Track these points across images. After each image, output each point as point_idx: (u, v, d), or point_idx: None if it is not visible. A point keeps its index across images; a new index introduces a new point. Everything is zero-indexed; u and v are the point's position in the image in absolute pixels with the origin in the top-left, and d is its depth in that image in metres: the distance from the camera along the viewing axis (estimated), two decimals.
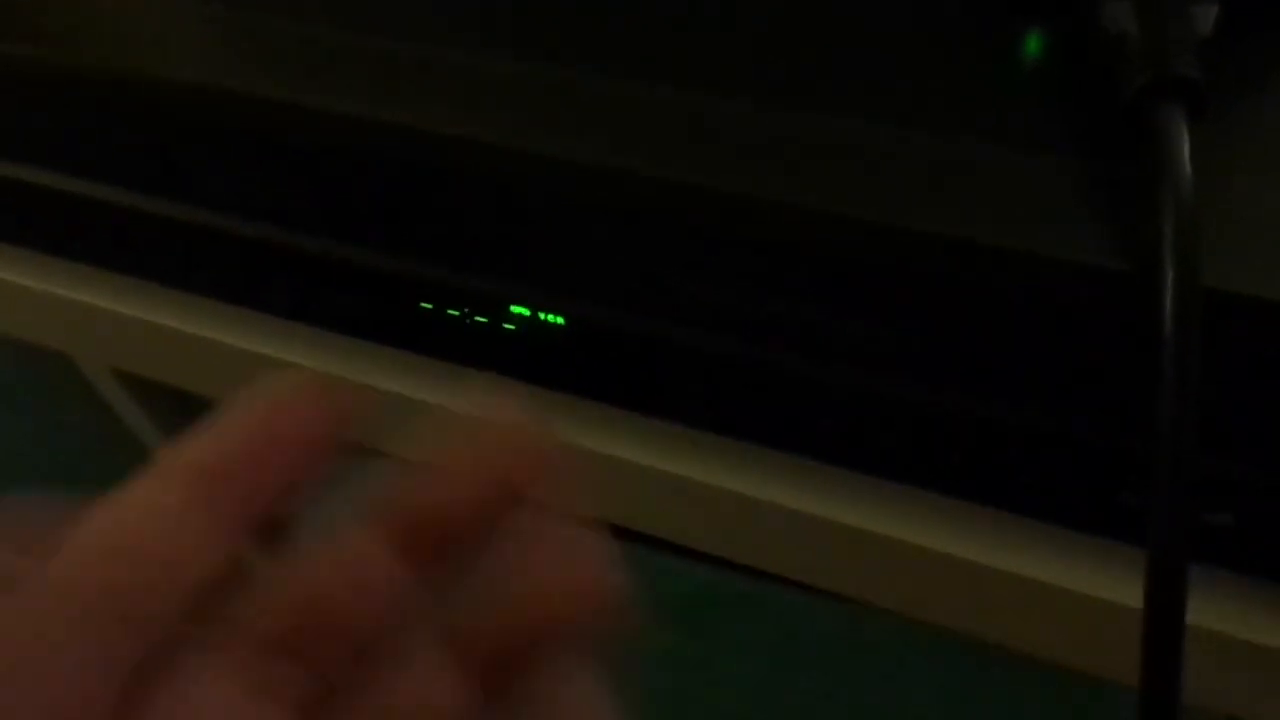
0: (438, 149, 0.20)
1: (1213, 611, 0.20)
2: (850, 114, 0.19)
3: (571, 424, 0.25)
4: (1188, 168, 0.16)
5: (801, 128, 0.19)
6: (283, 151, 0.23)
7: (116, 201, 0.26)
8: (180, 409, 0.37)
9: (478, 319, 0.24)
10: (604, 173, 0.19)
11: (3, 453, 0.50)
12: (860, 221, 0.17)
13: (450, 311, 0.24)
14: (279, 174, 0.23)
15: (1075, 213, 0.17)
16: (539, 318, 0.23)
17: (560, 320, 0.23)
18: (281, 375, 0.12)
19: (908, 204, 0.17)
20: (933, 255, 0.17)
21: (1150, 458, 0.16)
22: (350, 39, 0.22)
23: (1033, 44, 0.20)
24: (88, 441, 0.44)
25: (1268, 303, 0.15)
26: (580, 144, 0.19)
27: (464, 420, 0.12)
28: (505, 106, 0.20)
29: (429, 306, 0.24)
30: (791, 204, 0.18)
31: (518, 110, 0.20)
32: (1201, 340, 0.15)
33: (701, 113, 0.19)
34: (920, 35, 0.20)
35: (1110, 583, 0.21)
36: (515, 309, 0.23)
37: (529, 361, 0.24)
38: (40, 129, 0.26)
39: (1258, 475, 0.18)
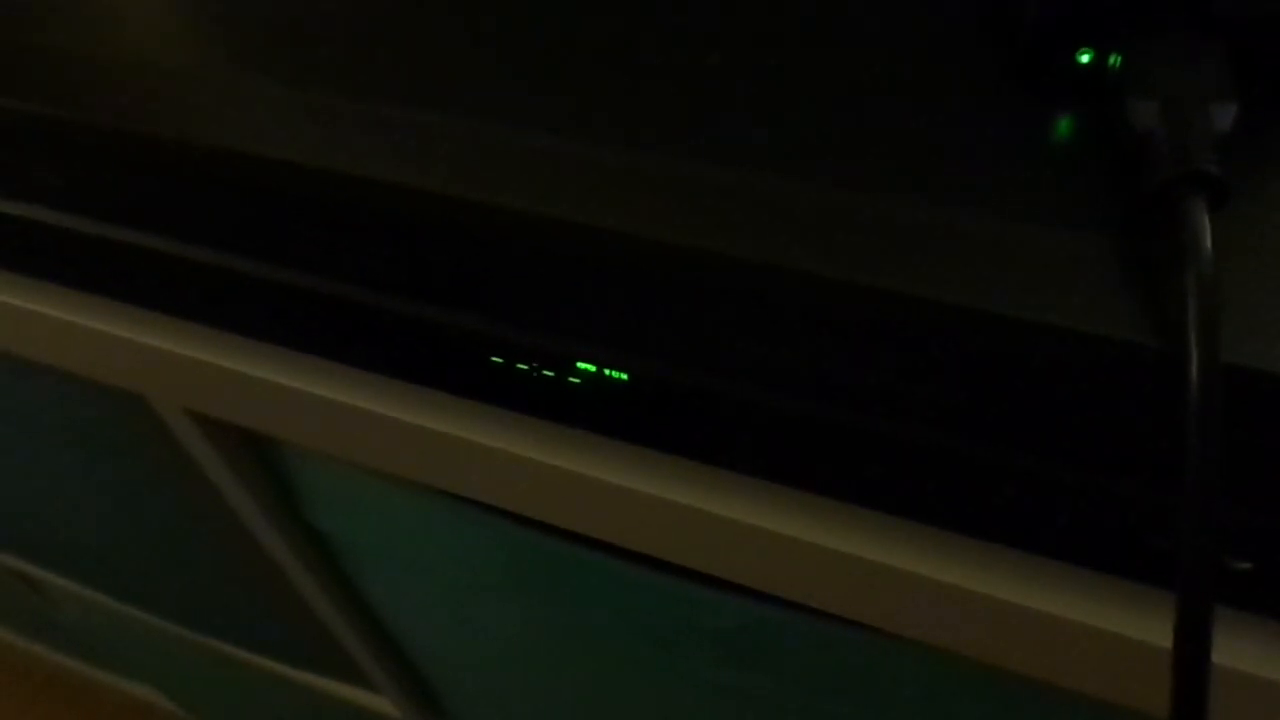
0: (511, 222, 0.22)
1: (1233, 650, 0.22)
2: (887, 190, 0.20)
3: (628, 469, 0.27)
4: (1210, 255, 0.17)
5: (839, 203, 0.20)
6: (369, 222, 0.25)
7: (201, 259, 0.28)
8: (249, 447, 0.39)
9: (545, 373, 0.26)
10: (660, 248, 0.21)
11: (76, 488, 0.52)
12: (902, 295, 0.19)
13: (519, 366, 0.26)
14: (363, 241, 0.25)
15: (1107, 290, 0.18)
16: (604, 374, 0.24)
17: (624, 376, 0.24)
18: None
19: (950, 279, 0.19)
20: (980, 327, 0.19)
21: (1178, 514, 0.18)
22: (435, 118, 0.24)
23: (1062, 125, 0.22)
24: (159, 477, 0.46)
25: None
26: (641, 220, 0.21)
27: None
28: (575, 186, 0.22)
29: (499, 361, 0.26)
30: (838, 278, 0.20)
31: (586, 189, 0.22)
32: (1222, 409, 0.17)
33: (747, 188, 0.21)
34: (949, 111, 0.22)
35: (1139, 622, 0.22)
36: (581, 365, 0.25)
37: (592, 412, 0.26)
38: (128, 191, 0.28)
39: (1274, 526, 0.20)
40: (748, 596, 0.30)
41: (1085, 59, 0.21)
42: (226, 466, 0.39)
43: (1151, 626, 0.22)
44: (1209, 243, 0.17)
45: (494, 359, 0.26)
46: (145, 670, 0.91)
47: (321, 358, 0.29)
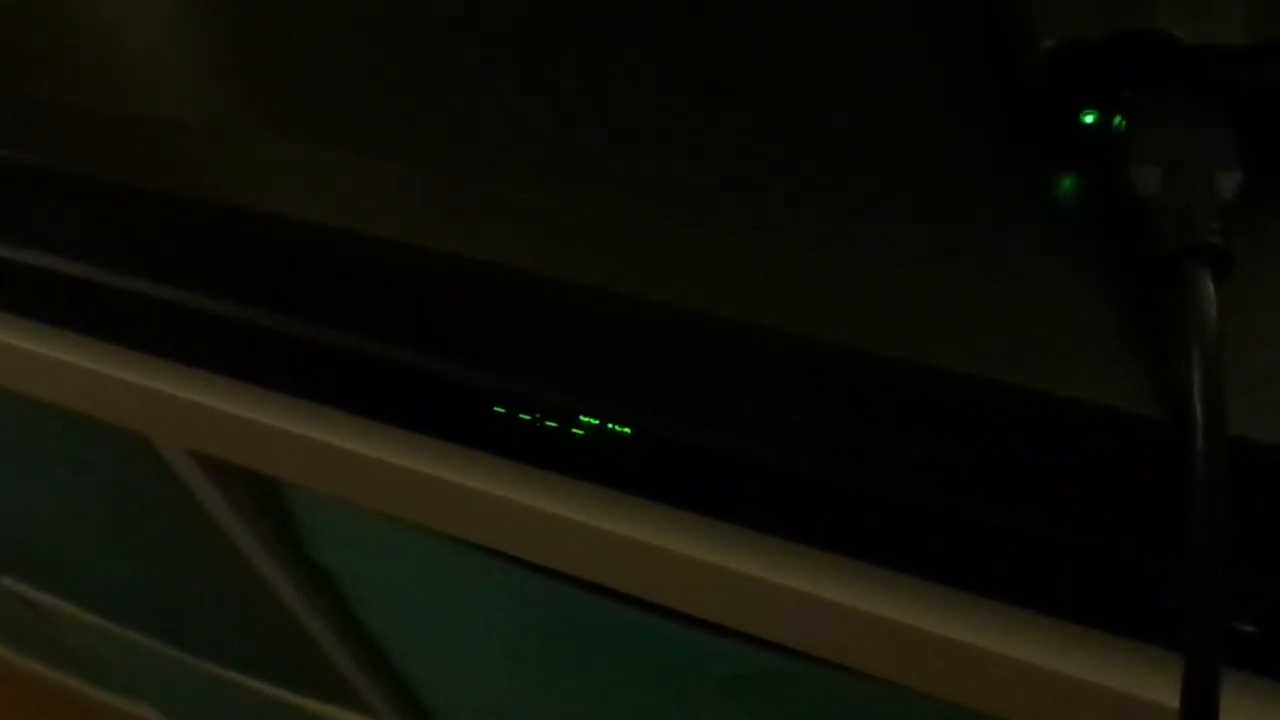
0: (517, 279, 0.22)
1: (1233, 710, 0.22)
2: (888, 256, 0.20)
3: (629, 520, 0.27)
4: (1216, 327, 0.17)
5: (838, 267, 0.20)
6: (375, 275, 0.25)
7: (210, 309, 0.28)
8: (252, 484, 0.39)
9: (548, 424, 0.26)
10: (664, 309, 0.21)
11: (81, 518, 0.52)
12: (906, 362, 0.19)
13: (522, 416, 0.26)
14: (369, 293, 0.25)
15: (1110, 359, 0.18)
16: (607, 427, 0.24)
17: (627, 430, 0.24)
18: None
19: (954, 347, 0.19)
20: (984, 394, 0.19)
21: (1185, 577, 0.18)
22: (440, 174, 0.24)
23: (1065, 185, 0.22)
24: (161, 510, 0.46)
25: None
26: (647, 283, 0.21)
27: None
28: (579, 245, 0.22)
29: (501, 411, 0.26)
30: (837, 342, 0.20)
31: (591, 249, 0.22)
32: (1228, 480, 0.17)
33: (752, 252, 0.21)
34: (950, 172, 0.22)
35: (1145, 681, 0.22)
36: (585, 419, 0.25)
37: (595, 464, 0.26)
38: (136, 241, 0.29)
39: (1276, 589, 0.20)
40: (753, 643, 0.30)
41: (1089, 120, 0.21)
42: (228, 503, 0.39)
43: (1154, 684, 0.22)
44: (1214, 314, 0.17)
45: (496, 409, 0.26)
46: (147, 692, 0.91)
47: (326, 405, 0.29)
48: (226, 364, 0.30)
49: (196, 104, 0.28)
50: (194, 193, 0.25)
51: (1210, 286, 0.18)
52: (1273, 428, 0.17)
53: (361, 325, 0.26)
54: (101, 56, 0.30)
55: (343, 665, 0.55)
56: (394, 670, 0.55)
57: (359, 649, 0.53)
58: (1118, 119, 0.21)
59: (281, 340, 0.28)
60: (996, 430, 0.19)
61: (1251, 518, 0.18)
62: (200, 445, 0.34)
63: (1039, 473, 0.20)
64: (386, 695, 0.57)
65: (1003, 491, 0.20)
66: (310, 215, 0.24)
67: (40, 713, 1.12)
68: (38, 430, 0.46)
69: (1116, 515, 0.20)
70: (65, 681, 1.02)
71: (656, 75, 0.26)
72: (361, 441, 0.29)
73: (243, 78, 0.28)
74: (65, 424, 0.41)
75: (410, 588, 0.43)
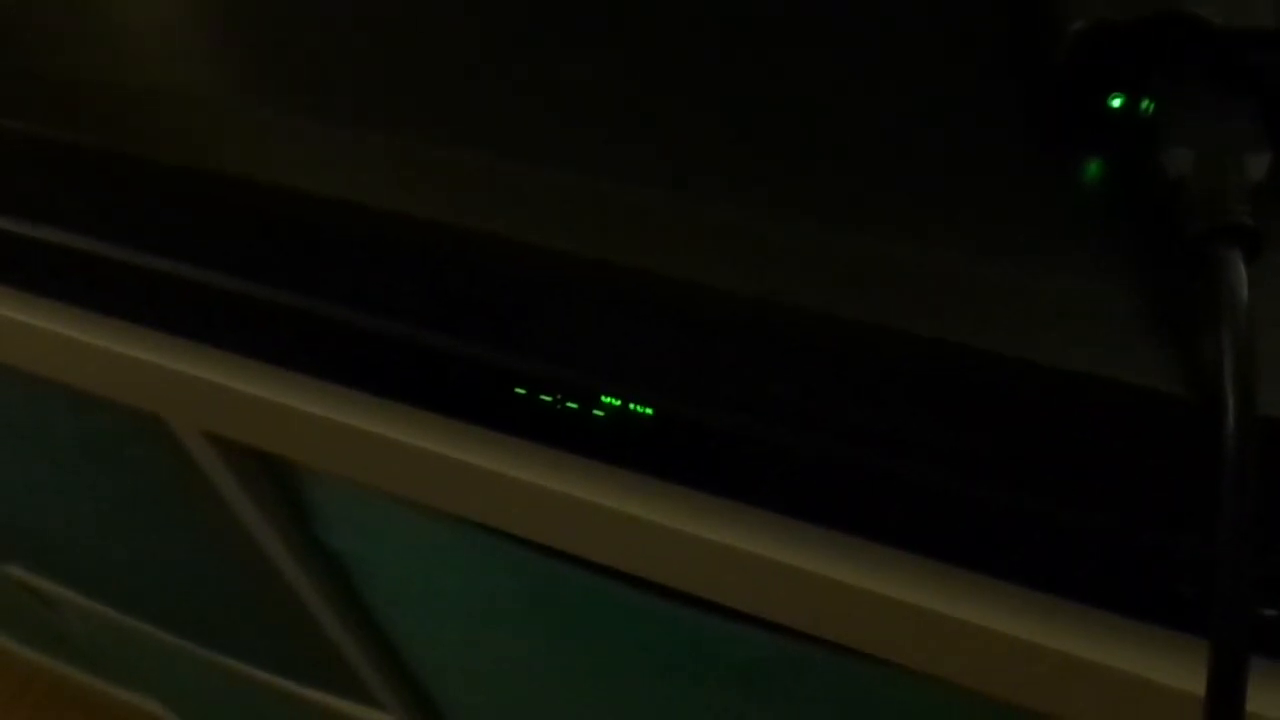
0: (538, 258, 0.22)
1: (1264, 698, 0.22)
2: (919, 237, 0.20)
3: (648, 502, 0.27)
4: (1245, 307, 0.17)
5: (867, 249, 0.20)
6: (396, 254, 0.25)
7: (228, 286, 0.28)
8: (264, 467, 0.39)
9: (569, 405, 0.26)
10: (689, 288, 0.21)
11: (87, 502, 0.52)
12: (936, 342, 0.19)
13: (543, 397, 0.26)
14: (390, 273, 0.25)
15: (1143, 340, 0.18)
16: (629, 408, 0.24)
17: (649, 411, 0.24)
18: None
19: (986, 327, 0.19)
20: (1017, 374, 0.19)
21: (1212, 563, 0.18)
22: (461, 153, 0.24)
23: (1093, 169, 0.22)
24: (171, 492, 0.46)
25: None
26: (669, 260, 0.21)
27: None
28: (605, 224, 0.22)
29: (522, 392, 0.26)
30: (868, 323, 0.20)
31: (614, 227, 0.22)
32: (1258, 462, 0.17)
33: (777, 232, 0.21)
34: (980, 154, 0.22)
35: (1171, 669, 0.22)
36: (606, 399, 0.25)
37: (616, 445, 0.26)
38: (151, 218, 0.29)
39: None
40: (767, 629, 0.30)
41: (1117, 104, 0.21)
42: (241, 485, 0.39)
43: (1180, 672, 0.22)
44: (1245, 295, 0.17)
45: (518, 390, 0.26)
46: (151, 684, 0.91)
47: (345, 386, 0.29)
48: (244, 343, 0.30)
49: (207, 77, 0.28)
50: (207, 166, 0.25)
51: (1242, 267, 0.18)
52: None
53: (385, 306, 0.26)
54: (105, 30, 0.30)
55: (351, 656, 0.55)
56: (402, 661, 0.55)
57: (369, 639, 0.53)
58: (1146, 102, 0.21)
59: (301, 320, 0.28)
60: (1026, 411, 0.19)
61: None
62: (217, 426, 0.34)
63: (1068, 455, 0.20)
64: (394, 687, 0.57)
65: (1030, 474, 0.20)
66: (329, 191, 0.24)
67: (40, 704, 1.12)
68: (45, 411, 0.46)
69: (1145, 498, 0.20)
70: (67, 673, 1.02)
71: (685, 64, 0.26)
72: (382, 423, 0.29)
73: (273, 55, 0.28)
74: (75, 405, 0.41)
75: (421, 575, 0.43)
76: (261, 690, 0.70)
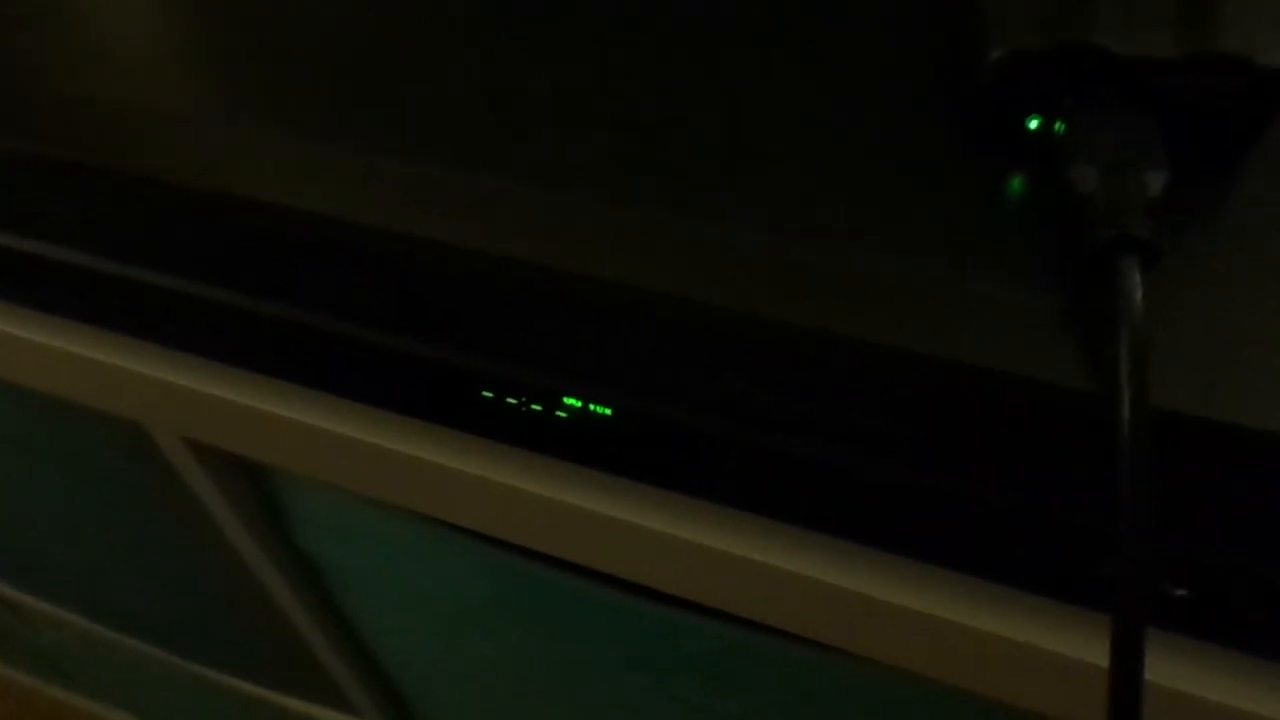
0: (504, 267, 0.24)
1: (1170, 671, 0.24)
2: (854, 244, 0.22)
3: (611, 499, 0.28)
4: (1141, 310, 0.19)
5: (808, 256, 0.22)
6: (366, 262, 0.26)
7: (204, 295, 0.29)
8: (242, 471, 0.40)
9: (533, 406, 0.27)
10: (647, 296, 0.23)
11: (59, 507, 0.53)
12: (868, 343, 0.21)
13: (509, 400, 0.27)
14: (361, 280, 0.27)
15: (1052, 341, 0.20)
16: (589, 409, 0.26)
17: (607, 411, 0.26)
18: None
19: (913, 329, 0.21)
20: (940, 372, 0.21)
21: (1114, 543, 0.19)
22: (426, 167, 0.26)
23: (1014, 185, 0.24)
24: (145, 497, 0.47)
25: (1202, 420, 0.19)
26: (624, 269, 0.23)
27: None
28: (565, 233, 0.24)
29: (489, 395, 0.27)
30: (808, 326, 0.21)
31: (575, 237, 0.24)
32: (1151, 451, 0.19)
33: (723, 239, 0.23)
34: (911, 170, 0.24)
35: (1085, 644, 0.24)
36: (568, 400, 0.26)
37: (577, 444, 0.27)
38: (132, 229, 0.30)
39: (1209, 556, 0.22)
40: (727, 621, 0.32)
41: (1034, 125, 0.23)
42: (218, 490, 0.40)
43: (1094, 647, 0.24)
44: (1140, 299, 0.19)
45: (485, 393, 0.27)
46: (122, 695, 0.91)
47: (320, 391, 0.31)
48: (221, 351, 0.32)
49: (186, 93, 0.29)
50: (183, 180, 0.27)
51: (1137, 274, 0.20)
52: (1196, 401, 0.19)
53: (356, 312, 0.27)
54: (87, 46, 0.31)
55: (327, 660, 0.55)
56: (376, 662, 0.56)
57: (344, 643, 0.54)
58: (1059, 124, 0.23)
59: (274, 325, 0.29)
60: (947, 406, 0.21)
61: (1180, 488, 0.20)
62: (196, 433, 0.36)
63: (988, 447, 0.22)
64: (368, 691, 0.58)
65: (953, 464, 0.22)
66: (302, 204, 0.25)
67: (11, 717, 1.11)
68: (21, 418, 0.47)
69: (1055, 484, 0.22)
70: (36, 687, 1.01)
71: (639, 74, 0.27)
72: (357, 427, 0.30)
73: (250, 74, 0.30)
74: (52, 411, 0.42)
75: (395, 576, 0.44)
76: (237, 699, 0.71)
